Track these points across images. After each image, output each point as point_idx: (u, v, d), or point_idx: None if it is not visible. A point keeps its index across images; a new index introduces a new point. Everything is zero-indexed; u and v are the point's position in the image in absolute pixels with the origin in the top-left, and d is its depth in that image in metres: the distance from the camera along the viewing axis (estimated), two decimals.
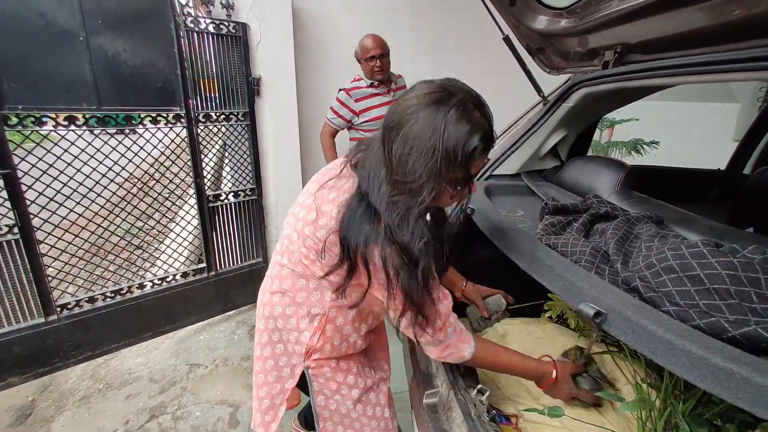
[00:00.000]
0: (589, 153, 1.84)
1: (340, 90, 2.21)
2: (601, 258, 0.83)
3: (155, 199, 2.04)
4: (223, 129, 2.19)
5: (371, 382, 1.07)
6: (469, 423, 0.86)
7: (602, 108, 1.58)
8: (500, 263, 1.48)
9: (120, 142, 1.86)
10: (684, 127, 4.73)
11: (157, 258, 2.17)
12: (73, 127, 1.70)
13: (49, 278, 1.76)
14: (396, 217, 0.71)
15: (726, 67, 0.87)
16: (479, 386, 0.92)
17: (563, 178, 1.39)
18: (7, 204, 1.59)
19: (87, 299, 1.88)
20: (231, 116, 2.16)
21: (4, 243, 1.60)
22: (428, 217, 0.82)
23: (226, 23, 2.03)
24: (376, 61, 2.11)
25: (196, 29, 1.94)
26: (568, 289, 0.74)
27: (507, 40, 1.38)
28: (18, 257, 1.64)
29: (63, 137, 1.72)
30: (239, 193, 2.28)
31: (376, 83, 2.21)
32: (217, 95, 2.11)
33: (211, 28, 1.99)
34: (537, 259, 0.85)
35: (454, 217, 1.00)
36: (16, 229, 1.61)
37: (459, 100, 0.70)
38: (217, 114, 2.11)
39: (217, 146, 2.23)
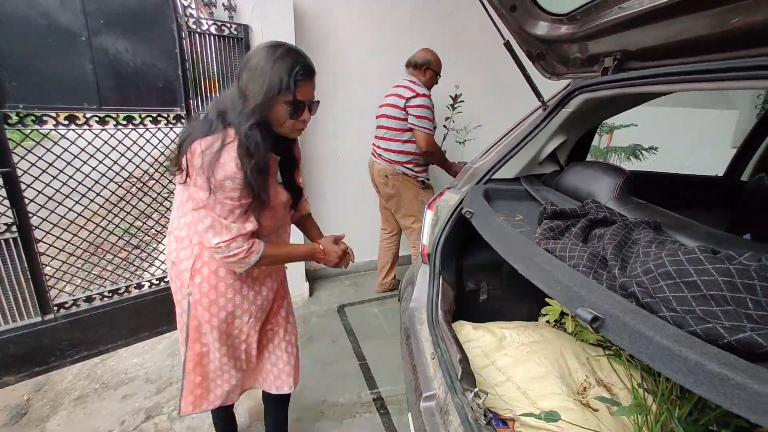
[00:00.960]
0: (588, 158, 1.85)
1: (422, 96, 2.22)
2: (598, 263, 0.83)
3: (154, 199, 2.04)
4: None
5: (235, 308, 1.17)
6: (466, 426, 0.86)
7: (601, 114, 1.59)
8: (498, 267, 1.49)
9: (120, 142, 1.86)
10: (683, 133, 4.75)
11: (155, 258, 2.17)
12: (73, 126, 1.70)
13: (47, 277, 1.76)
14: (242, 118, 0.95)
15: (724, 75, 0.88)
16: (476, 389, 0.92)
17: (562, 182, 1.40)
18: (6, 202, 1.59)
19: (84, 299, 1.88)
20: None
21: (2, 241, 1.60)
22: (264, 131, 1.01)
23: (228, 25, 2.04)
24: (438, 76, 2.40)
25: (198, 30, 1.95)
26: (565, 293, 0.75)
27: (508, 45, 1.39)
28: (16, 256, 1.64)
29: (63, 136, 1.72)
30: None
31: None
32: (218, 95, 2.11)
33: (213, 29, 2.00)
34: (535, 264, 0.86)
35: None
36: (14, 228, 1.61)
37: (288, 47, 0.98)
38: None
39: None
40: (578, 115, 1.41)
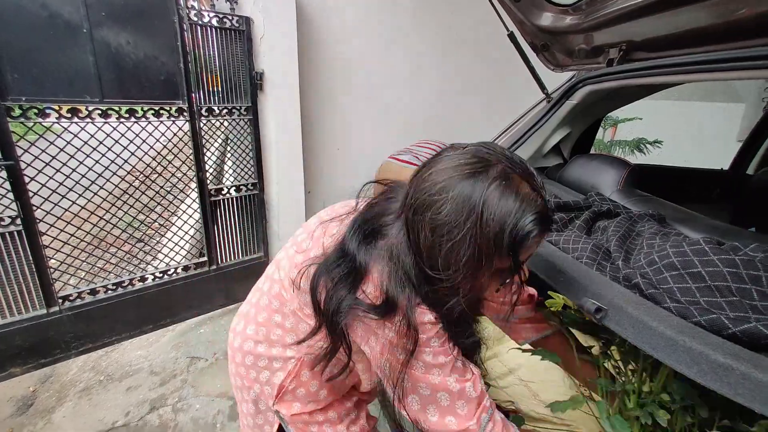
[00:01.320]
0: (592, 151, 1.84)
1: None
2: (602, 255, 0.83)
3: (157, 192, 2.04)
4: (226, 123, 2.19)
5: (352, 413, 0.93)
6: None
7: (606, 106, 1.58)
8: None
9: (122, 135, 1.86)
10: (688, 126, 4.71)
11: (159, 251, 2.18)
12: (76, 119, 1.70)
13: (51, 270, 1.77)
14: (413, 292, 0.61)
15: (731, 65, 0.87)
16: None
17: (566, 175, 1.39)
18: (10, 195, 1.59)
19: (89, 291, 1.89)
20: (233, 110, 2.16)
21: (7, 234, 1.61)
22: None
23: (230, 17, 2.03)
24: None
25: (200, 23, 1.94)
26: (569, 285, 0.75)
27: (512, 36, 1.37)
28: (20, 248, 1.65)
29: (66, 129, 1.72)
30: (241, 187, 2.28)
31: None
32: (219, 89, 2.10)
33: (214, 21, 1.98)
34: (538, 256, 0.86)
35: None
36: (18, 221, 1.62)
37: (500, 171, 0.56)
38: (220, 108, 2.11)
39: (220, 140, 2.23)
40: (582, 108, 1.40)
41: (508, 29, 1.36)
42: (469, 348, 0.71)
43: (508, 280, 0.63)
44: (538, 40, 1.42)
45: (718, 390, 0.50)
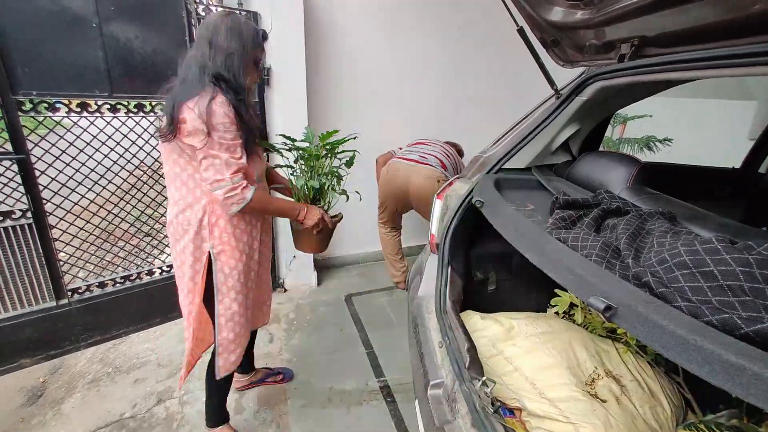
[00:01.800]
0: (601, 149, 1.82)
1: None
2: (611, 253, 0.82)
3: (165, 187, 2.05)
4: None
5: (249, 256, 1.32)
6: (473, 414, 0.86)
7: (617, 102, 1.55)
8: (507, 257, 1.48)
9: (131, 129, 1.87)
10: (698, 124, 4.64)
11: (166, 245, 2.20)
12: (85, 113, 1.71)
13: (61, 263, 1.79)
14: (223, 68, 1.13)
15: (747, 60, 0.85)
16: (484, 378, 0.92)
17: (574, 173, 1.37)
18: (21, 189, 1.61)
19: (97, 284, 1.91)
20: None
21: (18, 227, 1.63)
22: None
23: (238, 12, 2.03)
24: None
25: None
26: (578, 283, 0.74)
27: (521, 31, 1.35)
28: (31, 241, 1.67)
29: (75, 123, 1.74)
30: None
31: None
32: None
33: None
34: (547, 253, 0.85)
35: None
36: (29, 214, 1.64)
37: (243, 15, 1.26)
38: None
39: None
40: (592, 104, 1.38)
41: (517, 24, 1.34)
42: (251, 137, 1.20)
43: (255, 67, 1.23)
44: (548, 36, 1.40)
45: (730, 390, 0.49)
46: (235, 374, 1.75)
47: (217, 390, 1.48)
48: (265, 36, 1.24)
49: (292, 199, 1.44)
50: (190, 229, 1.21)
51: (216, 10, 1.96)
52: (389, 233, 2.70)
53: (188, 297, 1.30)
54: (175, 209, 1.22)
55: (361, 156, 2.80)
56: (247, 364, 1.76)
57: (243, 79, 1.18)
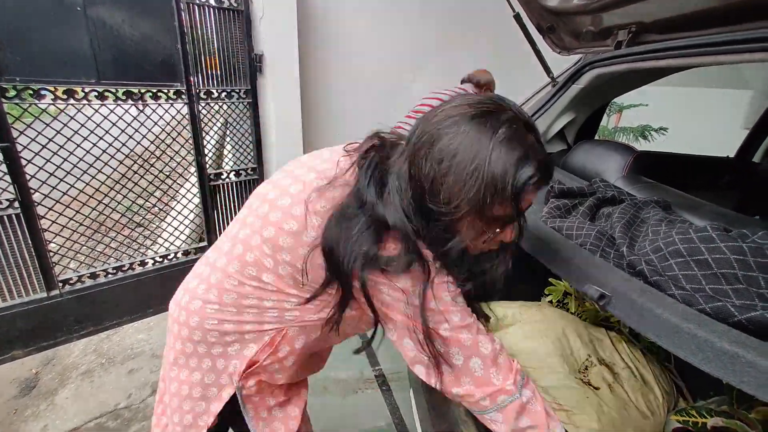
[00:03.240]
0: (596, 138, 1.81)
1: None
2: (606, 241, 0.82)
3: (156, 176, 2.02)
4: (225, 106, 2.16)
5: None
6: None
7: (613, 90, 1.54)
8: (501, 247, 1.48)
9: (120, 118, 1.83)
10: (693, 113, 4.65)
11: (159, 236, 2.17)
12: (72, 100, 1.67)
13: (51, 253, 1.76)
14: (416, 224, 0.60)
15: (744, 47, 0.84)
16: None
17: (569, 162, 1.37)
18: (7, 178, 1.58)
19: (89, 275, 1.89)
20: (233, 93, 2.13)
21: (5, 217, 1.60)
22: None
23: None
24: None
25: (198, 2, 1.89)
26: (572, 271, 0.74)
27: (517, 17, 1.34)
28: (19, 232, 1.64)
29: (62, 111, 1.69)
30: (241, 172, 2.26)
31: None
32: (218, 72, 2.06)
33: (212, 1, 1.93)
34: (541, 242, 0.84)
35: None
36: (16, 204, 1.61)
37: (511, 117, 0.57)
38: (219, 91, 2.07)
39: (219, 124, 2.20)
40: (589, 92, 1.37)
41: (514, 10, 1.32)
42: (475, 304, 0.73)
43: (498, 229, 0.63)
44: (545, 22, 1.38)
45: (723, 377, 0.49)
46: None
47: None
48: (543, 173, 0.64)
49: None
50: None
51: None
52: None
53: None
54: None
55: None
56: None
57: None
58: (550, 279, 1.33)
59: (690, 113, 4.67)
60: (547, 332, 1.18)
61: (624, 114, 4.34)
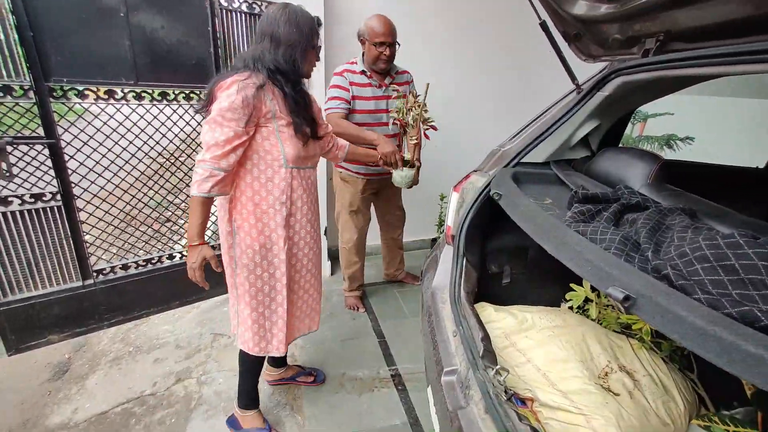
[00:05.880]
0: (620, 146, 1.80)
1: (334, 75, 1.99)
2: (631, 246, 0.83)
3: (186, 174, 2.10)
4: None
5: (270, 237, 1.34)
6: (487, 400, 0.88)
7: (639, 98, 1.54)
8: (522, 251, 1.49)
9: (155, 117, 1.92)
10: (720, 123, 4.53)
11: (186, 231, 2.25)
12: (112, 100, 1.76)
13: (87, 244, 1.86)
14: (290, 55, 1.22)
15: None
16: (498, 367, 0.94)
17: (593, 168, 1.37)
18: (52, 172, 1.67)
19: (121, 266, 1.98)
20: None
21: (48, 209, 1.70)
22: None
23: (259, 3, 2.05)
24: (386, 48, 1.90)
25: (230, 8, 1.97)
26: (596, 273, 0.75)
27: (543, 25, 1.35)
28: (60, 223, 1.74)
29: (103, 110, 1.79)
30: None
31: (369, 72, 1.99)
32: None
33: (244, 7, 2.01)
34: (565, 244, 0.86)
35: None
36: (58, 197, 1.70)
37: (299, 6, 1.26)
38: None
39: None
40: (614, 100, 1.37)
41: (540, 18, 1.33)
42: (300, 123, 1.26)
43: (316, 53, 1.32)
44: (571, 29, 1.39)
45: (749, 380, 0.50)
46: (267, 365, 1.76)
47: (245, 372, 1.51)
48: (319, 22, 1.29)
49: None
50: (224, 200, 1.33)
51: (238, 1, 1.99)
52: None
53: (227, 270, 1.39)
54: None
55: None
56: (278, 356, 1.70)
57: (303, 68, 1.26)
58: (571, 284, 1.33)
59: (718, 123, 4.55)
60: (567, 337, 1.18)
61: (648, 123, 4.27)
